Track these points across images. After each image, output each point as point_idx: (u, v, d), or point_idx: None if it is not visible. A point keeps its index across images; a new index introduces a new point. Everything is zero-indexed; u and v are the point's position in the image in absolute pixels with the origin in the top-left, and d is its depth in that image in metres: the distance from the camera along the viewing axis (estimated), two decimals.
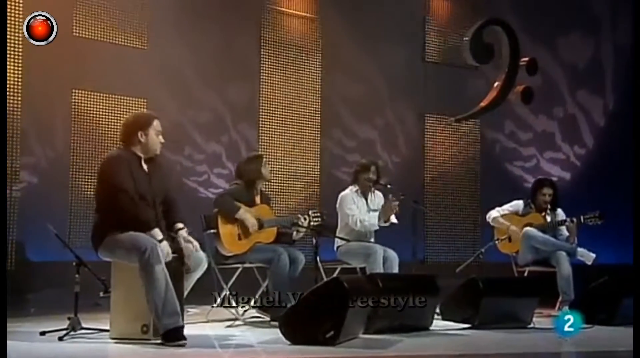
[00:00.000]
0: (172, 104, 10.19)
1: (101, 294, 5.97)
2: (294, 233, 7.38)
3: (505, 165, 12.33)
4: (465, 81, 11.49)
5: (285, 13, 11.09)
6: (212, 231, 7.19)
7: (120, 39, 9.91)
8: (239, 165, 7.63)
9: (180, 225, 6.07)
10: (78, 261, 5.99)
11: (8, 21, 8.53)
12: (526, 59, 10.38)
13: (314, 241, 7.02)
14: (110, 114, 9.78)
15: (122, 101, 9.86)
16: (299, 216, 7.43)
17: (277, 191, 10.71)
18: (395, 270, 7.76)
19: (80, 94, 9.62)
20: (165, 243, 5.78)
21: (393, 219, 8.06)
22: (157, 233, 5.77)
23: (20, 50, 8.88)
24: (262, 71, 10.87)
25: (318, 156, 11.19)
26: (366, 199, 8.20)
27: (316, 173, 11.17)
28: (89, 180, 9.40)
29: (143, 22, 10.05)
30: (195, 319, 7.19)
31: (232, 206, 7.18)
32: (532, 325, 7.16)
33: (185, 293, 6.09)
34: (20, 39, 8.71)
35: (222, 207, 7.21)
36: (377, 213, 8.04)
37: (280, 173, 10.86)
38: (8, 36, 8.57)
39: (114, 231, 5.77)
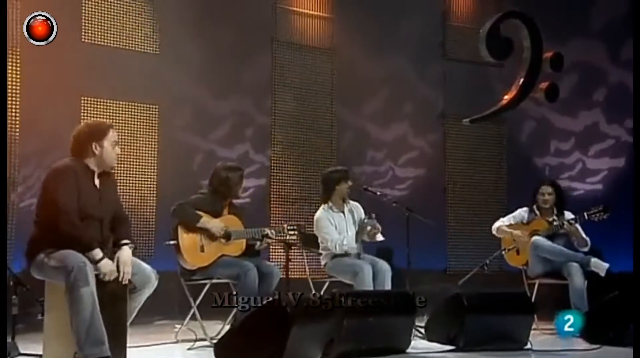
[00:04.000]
0: (184, 110, 9.81)
1: (39, 316, 5.47)
2: (257, 243, 6.73)
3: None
4: (490, 78, 10.69)
5: (298, 13, 10.52)
6: (172, 242, 6.58)
7: (130, 44, 9.52)
8: (217, 171, 6.91)
9: (125, 241, 5.48)
10: (15, 281, 5.51)
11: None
12: (550, 53, 9.51)
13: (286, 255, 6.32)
14: (121, 121, 9.36)
15: (133, 107, 9.48)
16: (272, 229, 6.81)
17: (292, 197, 10.24)
18: (388, 283, 7.11)
19: (89, 102, 9.22)
20: (105, 262, 5.21)
21: (379, 237, 7.36)
22: (97, 253, 5.20)
23: (19, 57, 8.54)
24: (274, 73, 10.32)
25: (333, 159, 10.50)
26: (343, 213, 7.54)
27: None
28: None
29: (154, 26, 9.63)
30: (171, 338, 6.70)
31: (192, 215, 6.56)
32: (528, 346, 6.34)
33: (135, 312, 5.56)
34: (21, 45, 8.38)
35: (182, 217, 6.59)
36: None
37: (294, 177, 10.36)
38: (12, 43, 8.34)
39: (48, 248, 5.26)
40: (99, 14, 9.31)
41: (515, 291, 6.66)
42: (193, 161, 9.81)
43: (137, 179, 9.45)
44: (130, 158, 9.40)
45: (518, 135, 11.66)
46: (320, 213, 7.49)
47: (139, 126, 9.51)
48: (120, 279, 5.30)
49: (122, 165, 9.27)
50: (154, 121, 9.59)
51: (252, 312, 5.07)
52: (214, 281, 6.62)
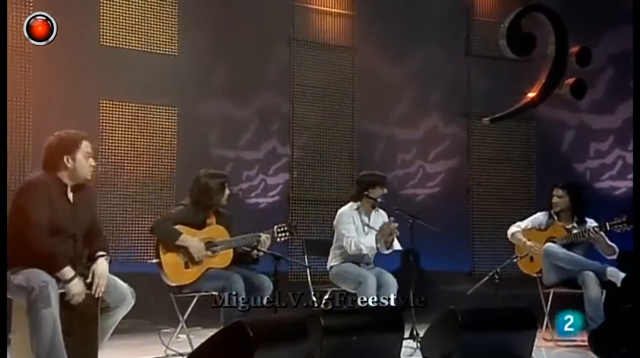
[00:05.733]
0: (204, 112, 9.54)
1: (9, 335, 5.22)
2: (254, 251, 6.28)
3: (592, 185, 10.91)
4: (516, 75, 10.07)
5: (317, 11, 10.11)
6: (154, 261, 6.23)
7: (149, 46, 9.24)
8: (197, 179, 6.48)
9: (101, 253, 5.19)
10: None
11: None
12: (576, 48, 8.89)
13: (274, 266, 5.95)
14: (139, 123, 9.16)
15: (151, 109, 9.24)
16: (260, 234, 6.35)
17: (311, 198, 9.88)
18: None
19: (108, 105, 9.01)
20: (76, 282, 4.93)
21: (396, 246, 7.05)
22: (67, 272, 4.93)
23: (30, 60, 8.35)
24: (294, 73, 9.93)
25: (353, 160, 10.14)
26: (369, 219, 7.19)
27: (351, 178, 10.10)
28: (118, 191, 8.98)
29: (172, 28, 9.35)
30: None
31: (170, 233, 6.16)
32: None
33: (110, 331, 5.26)
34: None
35: (160, 235, 6.24)
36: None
37: (313, 179, 9.98)
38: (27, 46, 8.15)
39: (16, 266, 4.99)
40: (117, 17, 9.06)
41: (516, 306, 6.16)
42: (212, 162, 9.48)
43: (155, 182, 9.21)
44: (148, 161, 9.18)
45: (559, 144, 11.12)
46: (346, 208, 7.21)
47: (157, 129, 9.26)
48: (93, 292, 5.03)
49: (141, 168, 9.12)
50: (172, 124, 9.32)
51: (212, 336, 4.69)
52: (202, 293, 6.29)
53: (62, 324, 4.86)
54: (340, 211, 7.19)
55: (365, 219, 7.18)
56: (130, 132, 9.09)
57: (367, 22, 10.17)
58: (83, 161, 5.20)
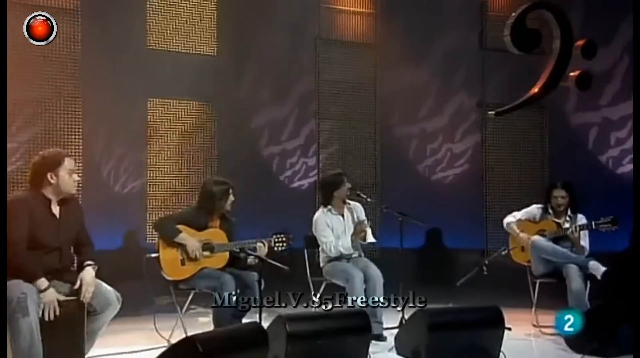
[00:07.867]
0: (240, 108, 9.63)
1: None
2: (249, 258, 6.08)
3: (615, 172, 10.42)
4: (529, 67, 9.59)
5: (341, 11, 9.92)
6: (153, 255, 6.18)
7: (190, 48, 9.32)
8: (204, 185, 6.42)
9: (88, 263, 5.20)
10: None
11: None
12: (581, 41, 8.42)
13: (259, 270, 5.83)
14: (183, 120, 9.32)
15: (194, 107, 9.39)
16: (262, 240, 6.23)
17: None
18: (379, 289, 6.56)
19: (156, 103, 9.17)
20: (49, 292, 4.93)
21: (370, 238, 6.78)
22: (42, 283, 4.93)
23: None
24: (320, 71, 9.82)
25: (376, 153, 9.98)
26: (343, 216, 6.94)
27: (374, 169, 9.98)
28: (165, 182, 9.21)
29: (212, 30, 9.41)
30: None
31: (171, 230, 6.12)
32: None
33: (98, 334, 5.24)
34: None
35: (160, 231, 6.20)
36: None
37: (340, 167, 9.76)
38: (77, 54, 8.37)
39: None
40: (162, 21, 9.19)
41: (484, 305, 5.93)
42: (252, 154, 9.66)
43: (198, 172, 9.31)
44: (192, 154, 9.32)
45: (585, 142, 10.62)
46: (319, 214, 6.94)
47: (199, 124, 9.38)
48: (82, 298, 5.07)
49: (186, 161, 9.28)
50: (212, 120, 9.42)
51: (162, 352, 4.59)
52: (197, 291, 6.25)
53: (48, 328, 4.89)
54: (314, 218, 6.94)
55: (340, 218, 6.93)
56: (175, 128, 9.25)
57: (387, 20, 9.95)
58: (66, 177, 5.19)
